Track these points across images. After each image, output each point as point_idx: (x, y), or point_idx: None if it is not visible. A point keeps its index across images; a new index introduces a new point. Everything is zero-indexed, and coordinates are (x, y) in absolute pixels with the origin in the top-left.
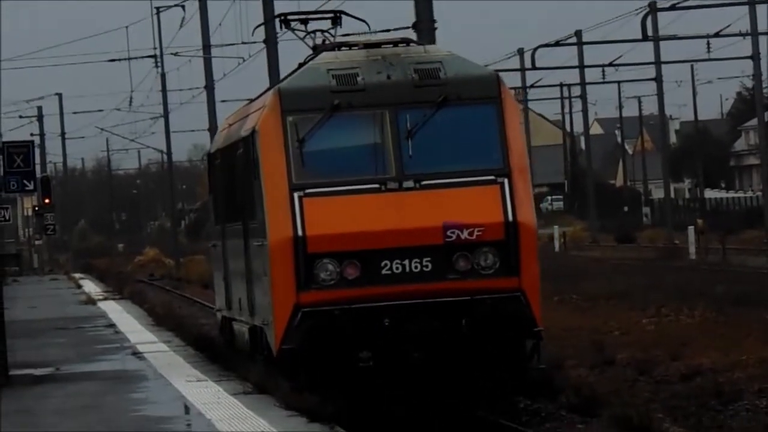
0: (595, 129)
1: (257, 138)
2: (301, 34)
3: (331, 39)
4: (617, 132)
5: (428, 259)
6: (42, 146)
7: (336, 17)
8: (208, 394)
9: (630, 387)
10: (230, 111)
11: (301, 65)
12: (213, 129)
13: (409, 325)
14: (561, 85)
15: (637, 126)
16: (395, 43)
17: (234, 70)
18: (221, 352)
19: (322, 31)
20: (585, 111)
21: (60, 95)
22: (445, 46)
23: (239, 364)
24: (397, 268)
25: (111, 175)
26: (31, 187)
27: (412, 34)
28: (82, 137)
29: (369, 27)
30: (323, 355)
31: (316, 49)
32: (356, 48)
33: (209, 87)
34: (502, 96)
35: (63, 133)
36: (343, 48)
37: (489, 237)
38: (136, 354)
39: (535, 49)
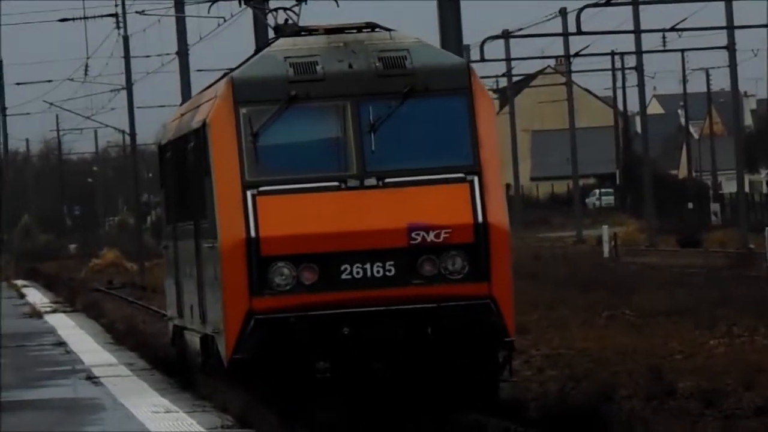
0: (654, 108)
1: (208, 131)
2: (263, 14)
3: (295, 18)
4: (680, 112)
5: (391, 263)
6: None
7: None
8: (178, 429)
9: (694, 423)
10: (207, 82)
11: (257, 51)
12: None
13: (370, 333)
14: (612, 54)
15: (704, 105)
16: (359, 28)
17: (213, 33)
18: (194, 377)
19: (285, 9)
20: (641, 86)
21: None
22: (480, 4)
23: (217, 391)
24: (357, 273)
25: (62, 161)
26: None
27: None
28: (27, 114)
29: (338, 4)
30: (278, 366)
31: (278, 30)
32: (317, 33)
33: (182, 53)
34: (473, 87)
35: (3, 108)
36: (303, 33)
37: (457, 239)
38: (91, 379)
39: (581, 9)
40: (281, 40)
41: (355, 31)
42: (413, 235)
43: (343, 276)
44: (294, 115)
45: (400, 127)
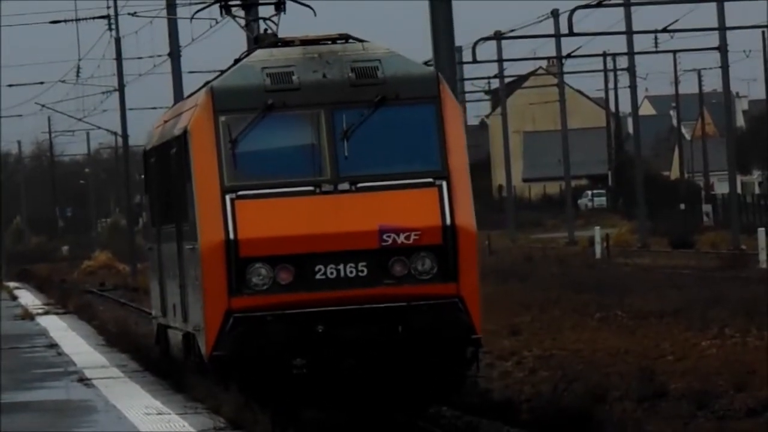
0: (646, 109)
1: (189, 138)
2: (243, 22)
3: (274, 28)
4: (672, 113)
5: (363, 263)
6: None
7: (279, 3)
8: (171, 431)
9: (686, 424)
10: (200, 83)
11: (236, 61)
12: None
13: (343, 331)
14: (604, 55)
15: (696, 106)
16: (333, 39)
17: (205, 34)
18: (187, 379)
19: (265, 19)
20: (633, 87)
21: None
22: (472, 5)
23: (209, 393)
24: (331, 273)
25: (54, 162)
26: None
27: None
28: (19, 116)
29: (315, 13)
30: (255, 362)
31: (258, 40)
32: (293, 45)
33: (174, 54)
34: (441, 95)
35: None
36: (280, 44)
37: (426, 241)
38: (83, 381)
39: (573, 11)
40: (259, 51)
41: (329, 42)
42: (384, 237)
43: (318, 276)
44: (271, 123)
45: (372, 134)
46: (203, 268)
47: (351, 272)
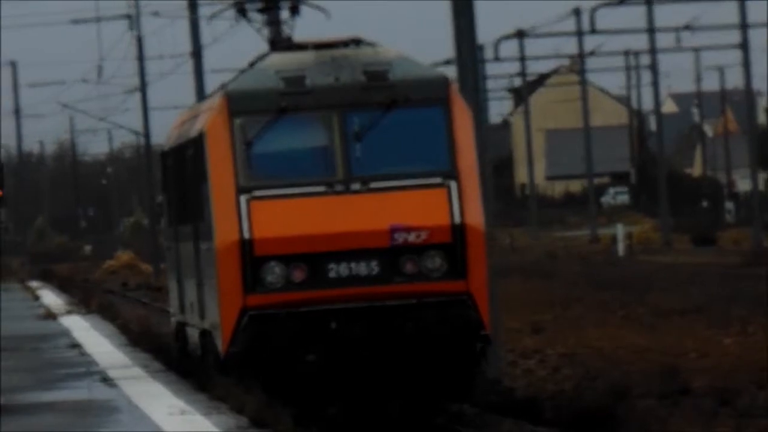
0: (668, 106)
1: (205, 140)
2: (258, 26)
3: (288, 31)
4: (694, 110)
5: (375, 262)
6: None
7: (294, 6)
8: (193, 430)
9: (708, 421)
10: (223, 81)
11: (251, 65)
12: None
13: (355, 328)
14: (626, 53)
15: (718, 103)
16: (345, 43)
17: (227, 34)
18: (211, 378)
19: (280, 23)
20: (656, 84)
21: (14, 64)
22: (494, 4)
23: (232, 392)
24: (343, 271)
25: (76, 162)
26: None
27: None
28: (41, 115)
29: (329, 16)
30: (270, 359)
31: (273, 43)
32: (306, 49)
33: (196, 53)
34: (450, 98)
35: (17, 110)
36: (293, 48)
37: (436, 240)
38: (106, 380)
39: (595, 9)
40: (273, 55)
41: (341, 46)
42: (395, 236)
43: (331, 274)
44: (284, 125)
45: (382, 135)
46: (219, 266)
47: (363, 270)
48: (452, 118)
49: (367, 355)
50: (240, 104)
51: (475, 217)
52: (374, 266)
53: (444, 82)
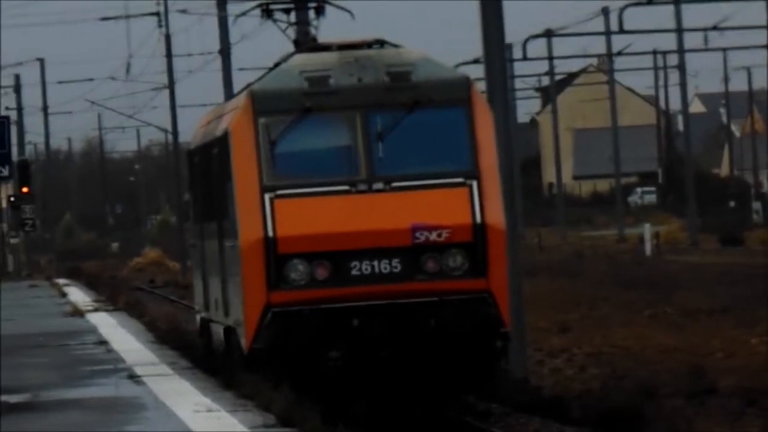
0: (696, 106)
1: (230, 139)
2: (283, 26)
3: (314, 31)
4: (722, 110)
5: (397, 260)
6: (20, 123)
7: (319, 7)
8: (220, 428)
9: (735, 421)
10: (251, 80)
11: (276, 65)
12: None
13: (377, 325)
14: (654, 53)
15: (746, 103)
16: (369, 44)
17: (255, 31)
18: (237, 375)
19: (305, 23)
20: (683, 84)
21: (42, 61)
22: (522, 3)
23: (259, 390)
24: (366, 269)
25: (104, 159)
26: (6, 173)
27: None
28: (69, 112)
29: (353, 17)
30: (293, 355)
31: (297, 44)
32: (330, 49)
33: (224, 51)
34: (472, 99)
35: (45, 107)
36: (317, 49)
37: (457, 239)
38: (133, 378)
39: (623, 9)
40: (297, 56)
41: (365, 47)
42: (417, 234)
43: (353, 272)
44: (308, 124)
45: (405, 135)
46: (243, 264)
47: (385, 268)
48: (474, 118)
49: (389, 352)
50: (264, 104)
51: (496, 216)
52: (396, 264)
53: (466, 82)
